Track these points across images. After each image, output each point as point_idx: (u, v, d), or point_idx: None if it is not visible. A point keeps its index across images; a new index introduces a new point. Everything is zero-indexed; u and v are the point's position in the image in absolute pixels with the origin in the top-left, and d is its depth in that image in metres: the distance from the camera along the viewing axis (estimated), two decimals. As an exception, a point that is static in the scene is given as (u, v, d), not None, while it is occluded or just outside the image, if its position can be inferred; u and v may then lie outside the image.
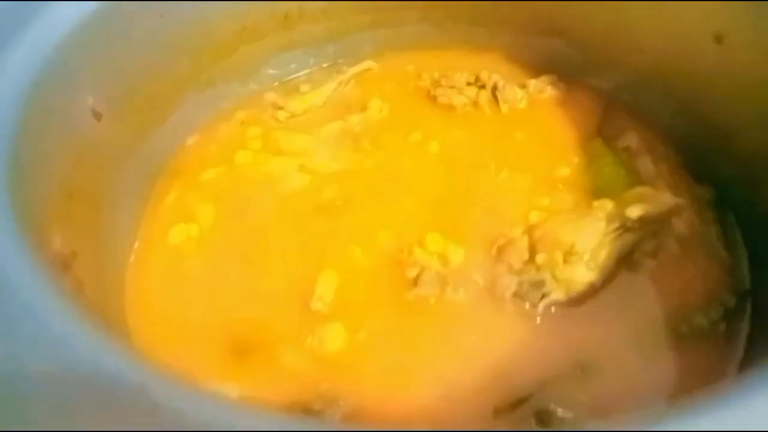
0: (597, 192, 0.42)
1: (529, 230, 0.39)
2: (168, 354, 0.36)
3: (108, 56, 0.38)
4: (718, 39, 0.40)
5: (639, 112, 0.47)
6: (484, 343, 0.36)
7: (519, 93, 0.49)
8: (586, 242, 0.37)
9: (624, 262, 0.38)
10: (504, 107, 0.49)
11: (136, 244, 0.41)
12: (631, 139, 0.45)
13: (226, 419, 0.19)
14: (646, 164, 0.43)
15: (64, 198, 0.33)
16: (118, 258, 0.39)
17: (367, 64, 0.53)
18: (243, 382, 0.35)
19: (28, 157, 0.31)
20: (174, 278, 0.40)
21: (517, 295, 0.37)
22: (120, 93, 0.40)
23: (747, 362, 0.35)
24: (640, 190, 0.40)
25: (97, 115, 0.37)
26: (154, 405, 0.19)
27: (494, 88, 0.49)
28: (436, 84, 0.50)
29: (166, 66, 0.44)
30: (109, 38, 0.38)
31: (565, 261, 0.36)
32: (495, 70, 0.51)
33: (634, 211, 0.37)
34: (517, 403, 0.33)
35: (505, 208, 0.42)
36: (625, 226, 0.38)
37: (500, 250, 0.39)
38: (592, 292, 0.37)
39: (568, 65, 0.50)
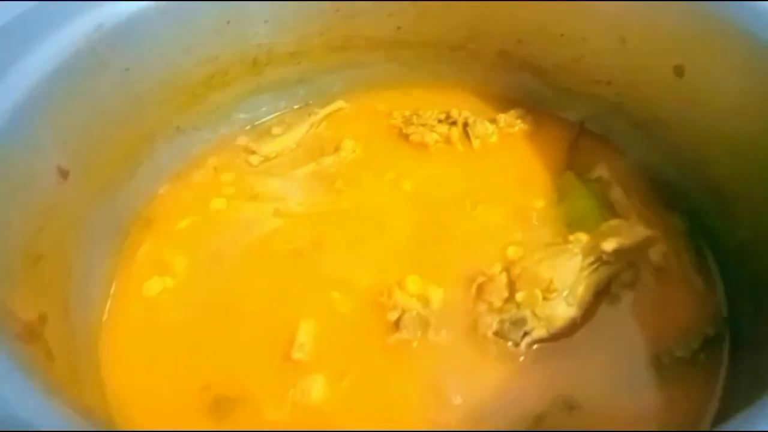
0: (571, 224, 0.42)
1: (508, 267, 0.39)
2: (147, 413, 0.35)
3: (73, 113, 0.38)
4: (679, 72, 0.41)
5: (609, 143, 0.48)
6: (470, 385, 0.36)
7: (490, 128, 0.50)
8: (564, 278, 0.37)
9: (602, 295, 0.38)
10: (476, 143, 0.49)
11: (110, 301, 0.40)
12: (602, 171, 0.45)
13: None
14: (618, 195, 0.44)
15: (31, 261, 0.32)
16: (90, 317, 0.38)
17: (338, 104, 0.53)
18: (225, 440, 0.34)
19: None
20: (150, 333, 0.39)
21: (499, 334, 0.37)
22: (87, 148, 0.39)
23: (729, 391, 0.35)
24: (614, 222, 0.40)
25: (64, 173, 0.37)
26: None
27: (465, 124, 0.50)
28: (408, 122, 0.51)
29: (134, 117, 0.43)
30: (72, 95, 0.38)
31: (544, 298, 0.36)
32: (464, 106, 0.52)
33: (609, 245, 0.37)
34: (506, 446, 0.33)
35: (482, 244, 0.42)
36: (601, 260, 0.38)
37: (480, 289, 0.39)
38: (573, 327, 0.37)
39: (536, 98, 0.51)
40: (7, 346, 0.24)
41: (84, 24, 0.38)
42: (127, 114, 0.42)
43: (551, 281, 0.36)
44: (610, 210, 0.43)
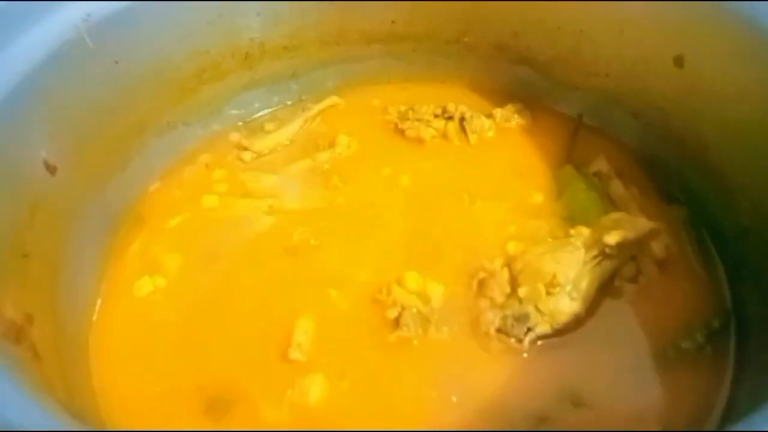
0: (572, 218, 0.42)
1: (509, 262, 0.38)
2: (139, 415, 0.34)
3: (61, 106, 0.36)
4: (679, 62, 0.40)
5: (607, 134, 0.48)
6: (473, 383, 0.35)
7: (486, 122, 0.49)
8: (567, 272, 0.36)
9: (605, 289, 0.38)
10: (472, 137, 0.49)
11: (99, 301, 0.39)
12: (602, 164, 0.45)
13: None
14: (617, 188, 0.43)
15: (17, 259, 0.31)
16: (79, 316, 0.37)
17: (332, 100, 0.52)
18: (221, 443, 0.33)
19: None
20: (141, 334, 0.37)
21: (502, 331, 0.36)
22: (75, 142, 0.38)
23: (738, 383, 0.34)
24: (616, 215, 0.40)
25: (52, 169, 0.35)
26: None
27: (462, 119, 0.49)
28: (404, 117, 0.50)
29: (123, 111, 0.42)
30: (60, 87, 0.37)
31: (547, 293, 0.36)
32: (461, 100, 0.51)
33: (612, 238, 0.37)
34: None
35: (482, 240, 0.41)
36: (604, 253, 0.37)
37: (481, 285, 0.38)
38: (578, 322, 0.36)
39: (533, 92, 0.51)
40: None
41: (71, 14, 0.37)
42: (116, 107, 0.41)
43: (554, 275, 0.36)
44: (610, 203, 0.43)
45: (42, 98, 0.35)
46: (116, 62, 0.40)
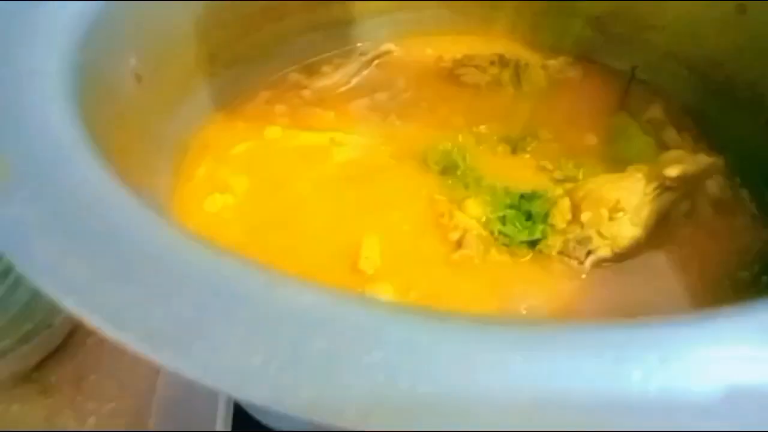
0: (627, 161, 0.43)
1: (570, 192, 0.39)
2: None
3: (149, 18, 0.38)
4: (742, 9, 0.41)
5: (659, 87, 0.49)
6: (534, 298, 0.36)
7: (541, 73, 0.50)
8: (630, 199, 0.37)
9: (662, 222, 0.39)
10: (526, 86, 0.50)
11: (173, 216, 0.40)
12: (656, 111, 0.46)
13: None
14: (672, 134, 0.44)
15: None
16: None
17: (388, 47, 0.54)
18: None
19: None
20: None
21: (563, 253, 0.37)
22: (157, 58, 0.39)
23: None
24: (674, 153, 0.41)
25: (138, 77, 0.37)
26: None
27: (516, 67, 0.50)
28: (459, 64, 0.51)
29: (197, 35, 0.43)
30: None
31: (610, 218, 0.37)
32: (513, 53, 0.52)
33: (674, 170, 0.38)
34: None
35: (539, 176, 0.43)
36: (664, 186, 0.38)
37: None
38: (637, 249, 0.37)
39: (585, 46, 0.52)
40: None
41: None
42: (192, 31, 0.42)
43: (618, 201, 0.37)
44: (665, 148, 0.44)
45: (134, 9, 0.37)
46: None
